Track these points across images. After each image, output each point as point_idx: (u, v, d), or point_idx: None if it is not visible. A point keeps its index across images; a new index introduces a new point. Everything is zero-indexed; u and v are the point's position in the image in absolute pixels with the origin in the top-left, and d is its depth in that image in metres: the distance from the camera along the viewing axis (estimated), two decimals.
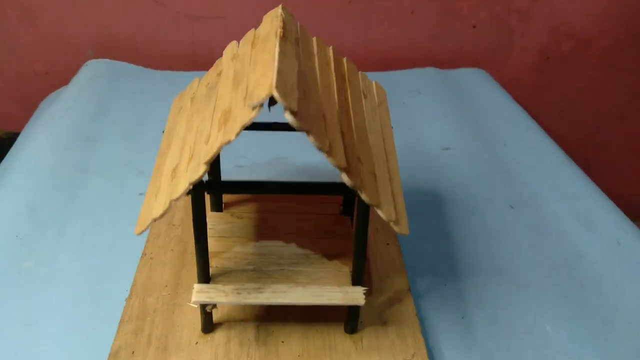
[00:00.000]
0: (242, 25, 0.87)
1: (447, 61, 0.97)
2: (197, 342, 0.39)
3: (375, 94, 0.42)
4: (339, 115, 0.34)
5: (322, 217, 0.47)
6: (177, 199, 0.31)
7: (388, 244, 0.50)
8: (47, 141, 0.66)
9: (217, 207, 0.47)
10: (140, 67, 0.88)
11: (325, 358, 0.39)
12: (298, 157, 0.65)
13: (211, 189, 0.43)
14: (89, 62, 0.87)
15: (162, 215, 0.32)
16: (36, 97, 0.90)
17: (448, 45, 0.97)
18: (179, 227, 0.51)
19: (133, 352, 0.38)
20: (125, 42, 0.91)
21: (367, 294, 0.39)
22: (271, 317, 0.42)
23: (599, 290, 0.48)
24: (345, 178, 0.30)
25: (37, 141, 0.66)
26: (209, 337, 0.40)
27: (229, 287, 0.38)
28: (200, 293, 0.37)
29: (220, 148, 0.29)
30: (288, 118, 0.27)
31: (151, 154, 0.42)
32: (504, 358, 0.42)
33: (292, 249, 0.43)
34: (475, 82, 0.90)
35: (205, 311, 0.38)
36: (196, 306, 0.42)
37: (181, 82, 0.75)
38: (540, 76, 1.01)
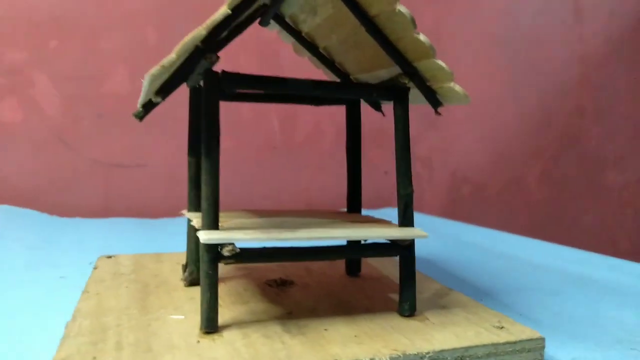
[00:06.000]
0: (164, 172, 0.85)
1: (365, 204, 1.00)
2: (198, 341, 0.25)
3: None
4: None
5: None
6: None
7: None
8: None
9: None
10: (45, 214, 0.76)
11: (393, 334, 0.27)
12: None
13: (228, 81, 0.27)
14: None
15: None
16: None
17: (365, 190, 1.02)
18: (132, 274, 0.37)
19: (94, 358, 0.23)
20: (29, 192, 0.79)
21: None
22: (296, 314, 0.29)
23: None
24: None
25: None
26: (215, 335, 0.26)
27: (250, 230, 0.27)
28: (210, 233, 0.26)
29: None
30: None
31: None
32: None
33: (316, 219, 0.33)
34: None
35: (216, 256, 0.26)
36: (182, 317, 0.28)
37: (89, 229, 0.66)
38: (452, 217, 1.08)
